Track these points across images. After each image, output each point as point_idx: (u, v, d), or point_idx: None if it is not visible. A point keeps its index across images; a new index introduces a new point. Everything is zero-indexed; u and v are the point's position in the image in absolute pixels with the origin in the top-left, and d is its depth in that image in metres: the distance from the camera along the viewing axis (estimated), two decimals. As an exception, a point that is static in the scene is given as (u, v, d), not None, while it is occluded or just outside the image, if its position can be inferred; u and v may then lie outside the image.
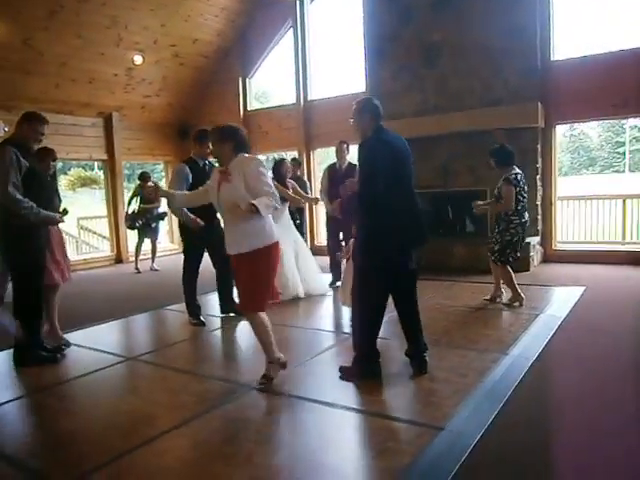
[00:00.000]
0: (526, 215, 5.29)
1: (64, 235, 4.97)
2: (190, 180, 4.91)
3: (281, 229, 5.95)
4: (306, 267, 6.21)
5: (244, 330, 5.05)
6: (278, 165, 6.15)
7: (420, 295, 5.80)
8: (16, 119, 4.04)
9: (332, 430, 2.92)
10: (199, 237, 4.91)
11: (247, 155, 3.33)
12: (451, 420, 2.82)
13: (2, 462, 2.63)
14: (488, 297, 5.51)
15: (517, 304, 5.27)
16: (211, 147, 3.56)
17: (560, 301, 5.46)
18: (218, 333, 5.01)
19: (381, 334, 4.45)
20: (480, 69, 7.69)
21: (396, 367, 3.78)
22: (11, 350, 4.10)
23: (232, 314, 5.25)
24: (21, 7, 7.50)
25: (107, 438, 2.83)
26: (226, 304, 5.32)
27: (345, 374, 3.53)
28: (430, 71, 8.07)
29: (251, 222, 3.20)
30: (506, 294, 5.46)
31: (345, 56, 12.18)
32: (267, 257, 3.29)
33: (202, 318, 5.14)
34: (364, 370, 3.49)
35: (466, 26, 7.69)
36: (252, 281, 3.29)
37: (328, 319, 5.57)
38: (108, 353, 4.40)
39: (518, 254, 5.33)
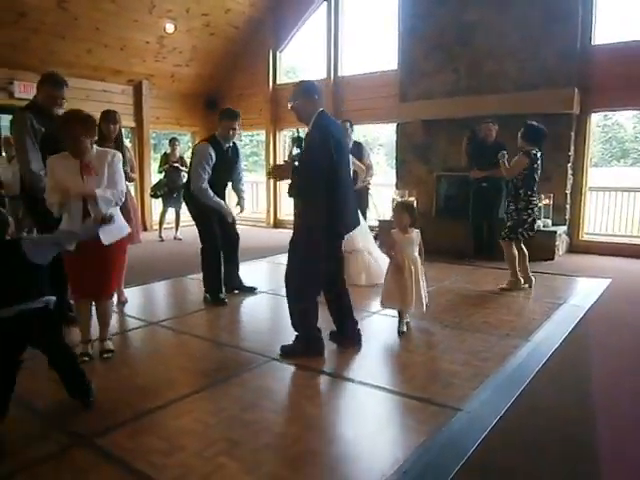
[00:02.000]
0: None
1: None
2: (212, 163, 4.62)
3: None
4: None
5: (257, 304, 5.10)
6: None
7: (442, 278, 5.86)
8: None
9: (351, 405, 2.94)
10: (217, 218, 4.83)
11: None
12: (470, 402, 2.81)
13: (28, 415, 2.71)
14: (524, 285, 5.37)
15: (512, 289, 5.25)
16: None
17: (585, 292, 5.37)
18: (234, 305, 5.00)
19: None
20: (516, 51, 7.47)
21: (417, 348, 3.78)
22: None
23: (236, 291, 5.21)
24: (57, -31, 7.51)
25: (129, 398, 2.89)
26: (233, 281, 5.23)
27: (289, 353, 3.51)
28: (464, 51, 7.88)
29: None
30: (534, 280, 5.41)
31: (377, 33, 11.95)
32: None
33: (223, 296, 4.93)
34: (310, 349, 3.51)
35: (504, 6, 7.47)
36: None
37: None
38: (131, 317, 4.51)
39: (531, 233, 5.29)
